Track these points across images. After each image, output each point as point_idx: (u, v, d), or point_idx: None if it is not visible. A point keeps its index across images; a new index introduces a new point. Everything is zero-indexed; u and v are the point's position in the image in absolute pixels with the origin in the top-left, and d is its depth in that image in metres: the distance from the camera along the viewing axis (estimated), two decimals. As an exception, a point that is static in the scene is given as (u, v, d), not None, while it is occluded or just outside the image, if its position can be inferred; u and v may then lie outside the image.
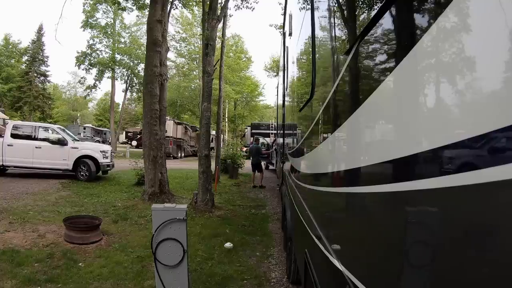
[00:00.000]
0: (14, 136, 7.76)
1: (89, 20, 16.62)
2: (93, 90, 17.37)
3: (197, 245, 3.70)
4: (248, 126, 23.43)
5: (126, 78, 18.89)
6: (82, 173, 7.97)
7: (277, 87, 8.86)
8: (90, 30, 16.89)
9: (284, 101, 4.66)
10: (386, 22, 0.70)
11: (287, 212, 3.06)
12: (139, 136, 24.33)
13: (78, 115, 25.96)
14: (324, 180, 1.30)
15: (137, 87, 19.56)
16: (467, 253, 0.40)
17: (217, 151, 9.88)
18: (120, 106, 22.90)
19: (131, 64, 18.45)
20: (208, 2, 5.38)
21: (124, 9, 6.37)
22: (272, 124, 22.01)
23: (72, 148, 7.95)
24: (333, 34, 1.19)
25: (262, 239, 4.13)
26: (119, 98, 43.98)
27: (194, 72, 20.57)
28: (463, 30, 0.43)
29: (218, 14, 5.19)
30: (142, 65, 19.46)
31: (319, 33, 1.51)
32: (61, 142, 7.89)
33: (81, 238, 3.60)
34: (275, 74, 29.25)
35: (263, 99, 30.42)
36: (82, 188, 7.16)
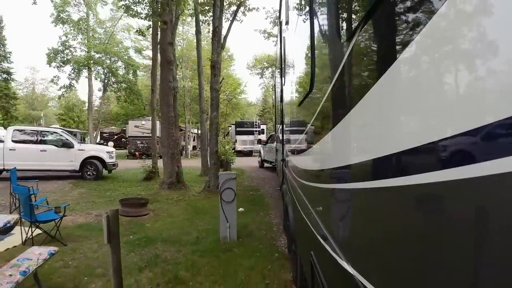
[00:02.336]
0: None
1: (61, 14, 17.68)
2: (68, 90, 18.49)
3: (218, 212, 5.91)
4: (233, 124, 25.67)
5: (103, 77, 20.16)
6: (89, 173, 9.74)
7: (274, 81, 9.27)
8: (62, 26, 17.99)
9: (282, 95, 4.70)
10: (392, 4, 0.70)
11: (289, 212, 3.09)
12: (116, 136, 25.48)
13: (42, 115, 26.20)
14: (331, 176, 1.28)
15: (115, 85, 20.82)
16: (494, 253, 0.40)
17: (210, 146, 12.03)
18: (96, 105, 23.86)
19: (109, 62, 19.76)
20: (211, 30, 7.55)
21: (144, 34, 8.26)
22: (255, 122, 24.50)
23: (79, 150, 9.71)
24: (335, 18, 1.18)
25: (262, 207, 6.48)
26: (85, 96, 43.90)
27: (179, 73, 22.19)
28: (481, 11, 0.42)
29: (222, 42, 7.39)
30: (119, 63, 20.84)
31: (318, 18, 1.52)
32: (68, 145, 9.62)
33: (136, 212, 5.63)
34: (258, 72, 31.82)
35: (246, 96, 32.84)
36: (94, 185, 8.90)
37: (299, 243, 2.32)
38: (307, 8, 1.71)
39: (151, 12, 7.51)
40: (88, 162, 9.59)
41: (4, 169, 8.91)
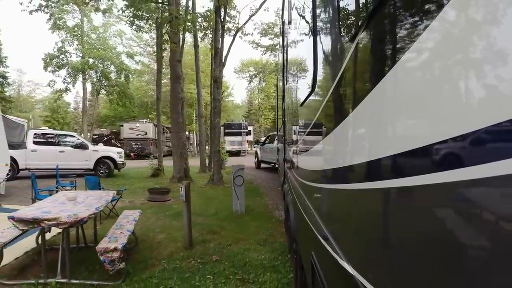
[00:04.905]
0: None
1: (58, 22, 18.52)
2: (65, 93, 19.36)
3: (225, 198, 7.60)
4: (221, 125, 27.20)
5: (96, 80, 21.11)
6: (102, 171, 11.09)
7: (277, 81, 9.51)
8: (58, 32, 18.87)
9: (284, 95, 4.86)
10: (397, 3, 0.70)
11: (290, 212, 3.13)
12: (105, 138, 26.26)
13: (30, 117, 26.33)
14: (332, 176, 1.30)
15: (107, 89, 21.82)
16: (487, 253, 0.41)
17: (213, 147, 13.64)
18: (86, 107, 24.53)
19: (102, 66, 20.78)
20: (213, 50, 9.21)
21: (162, 49, 9.75)
22: (243, 124, 26.18)
23: (93, 151, 11.04)
24: (338, 18, 1.18)
25: (258, 194, 8.25)
26: (69, 97, 43.74)
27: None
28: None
29: (223, 61, 9.06)
30: (112, 67, 21.84)
31: (321, 18, 1.53)
32: (83, 146, 10.93)
33: (161, 198, 7.23)
34: (244, 77, 33.63)
35: (232, 99, 34.52)
36: (109, 181, 10.21)
37: (300, 243, 2.36)
38: (310, 8, 1.73)
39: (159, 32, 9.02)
40: (101, 161, 10.94)
41: (26, 168, 10.10)
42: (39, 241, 4.03)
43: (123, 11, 8.22)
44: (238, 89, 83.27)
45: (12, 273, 3.34)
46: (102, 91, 22.01)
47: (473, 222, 0.45)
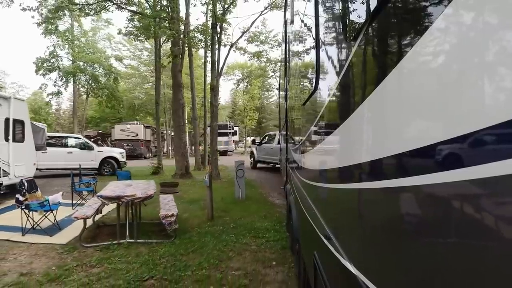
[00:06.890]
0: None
1: (49, 26, 19.00)
2: (56, 97, 19.85)
3: (225, 189, 9.07)
4: (208, 126, 28.33)
5: (86, 83, 21.68)
6: (106, 170, 12.17)
7: (279, 80, 9.84)
8: (50, 36, 19.34)
9: (286, 95, 4.88)
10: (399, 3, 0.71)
11: (292, 211, 3.18)
12: (92, 140, 26.67)
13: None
14: (335, 176, 1.31)
15: (95, 91, 22.43)
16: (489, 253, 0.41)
17: (212, 147, 14.95)
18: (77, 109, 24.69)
19: (91, 69, 21.40)
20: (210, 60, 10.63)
21: (164, 66, 10.94)
22: (229, 125, 27.50)
23: (98, 151, 12.09)
24: (341, 18, 1.20)
25: (252, 186, 9.80)
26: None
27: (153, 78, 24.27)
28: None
29: (219, 71, 10.52)
30: (101, 70, 22.46)
31: (323, 17, 1.55)
32: (89, 148, 11.97)
33: (172, 190, 8.56)
34: (230, 78, 35.01)
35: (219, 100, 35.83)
36: (114, 179, 11.45)
37: (302, 243, 2.39)
38: (313, 7, 1.77)
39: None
40: (105, 161, 12.04)
41: (37, 169, 11.02)
42: (95, 220, 5.37)
43: (140, 35, 9.42)
44: (221, 90, 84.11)
45: (86, 241, 4.67)
46: (91, 93, 22.55)
47: (476, 221, 0.46)
